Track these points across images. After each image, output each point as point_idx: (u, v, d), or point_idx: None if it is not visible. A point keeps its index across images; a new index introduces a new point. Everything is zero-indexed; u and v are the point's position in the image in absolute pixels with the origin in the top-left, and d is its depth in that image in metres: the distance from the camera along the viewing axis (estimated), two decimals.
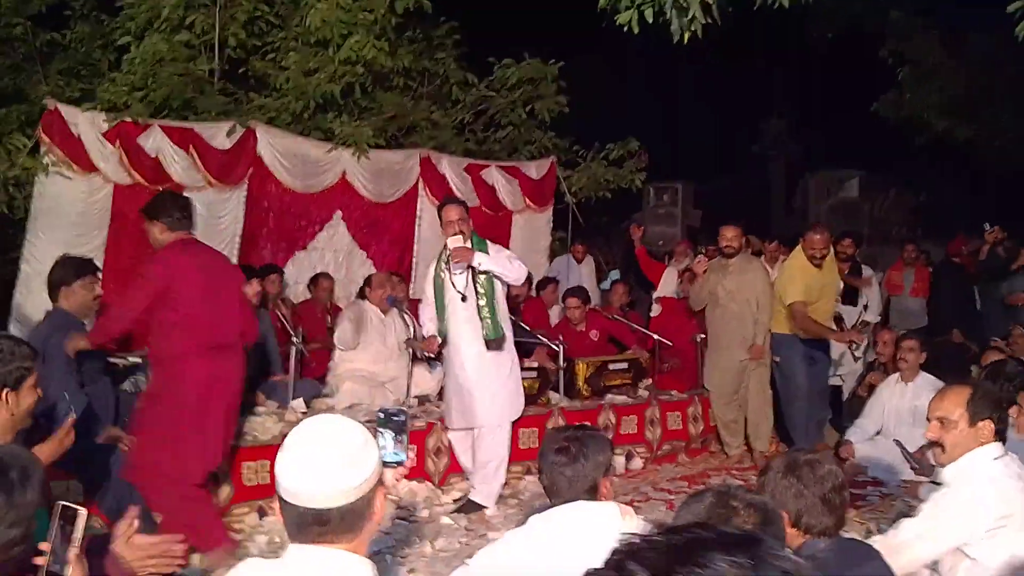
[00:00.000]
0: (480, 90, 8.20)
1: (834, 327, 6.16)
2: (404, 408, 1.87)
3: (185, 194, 5.98)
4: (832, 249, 6.29)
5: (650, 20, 4.72)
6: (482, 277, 4.78)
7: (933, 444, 2.66)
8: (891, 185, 12.49)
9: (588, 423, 4.76)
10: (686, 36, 4.73)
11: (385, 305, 5.77)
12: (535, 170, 8.11)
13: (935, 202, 13.56)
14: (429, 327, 4.93)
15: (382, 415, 1.91)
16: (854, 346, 6.46)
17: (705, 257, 6.11)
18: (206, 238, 6.09)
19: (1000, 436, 2.57)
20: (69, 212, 5.70)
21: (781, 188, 14.99)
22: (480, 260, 4.74)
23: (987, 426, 2.55)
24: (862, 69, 11.25)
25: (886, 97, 10.23)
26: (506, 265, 4.82)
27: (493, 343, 4.78)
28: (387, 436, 1.86)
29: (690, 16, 4.63)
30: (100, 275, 4.40)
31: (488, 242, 4.97)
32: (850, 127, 12.72)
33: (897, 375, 5.56)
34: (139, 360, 4.83)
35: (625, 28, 4.76)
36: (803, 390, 5.93)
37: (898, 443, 5.02)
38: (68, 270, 4.15)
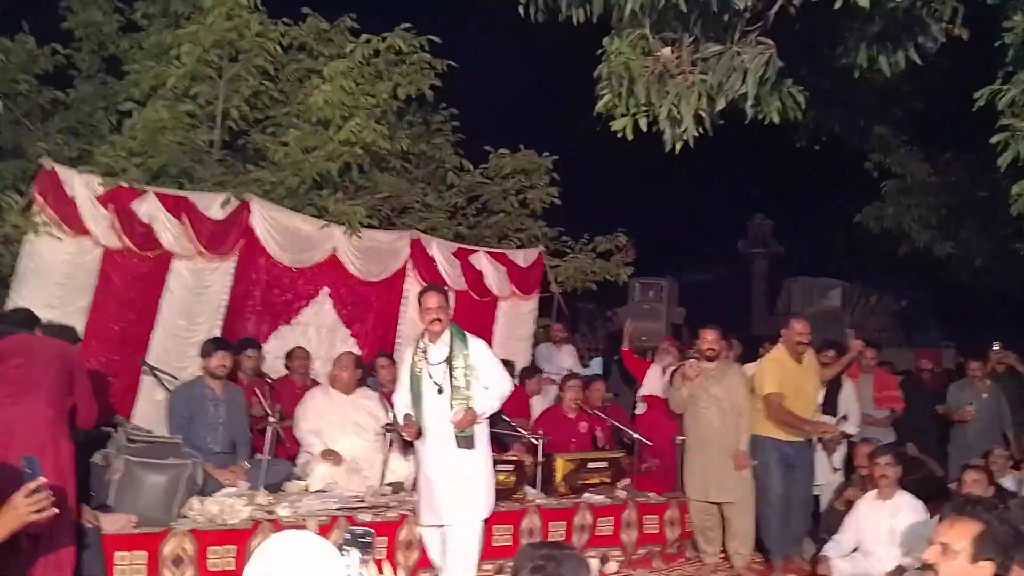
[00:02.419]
0: (474, 176, 8.35)
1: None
2: (371, 529, 1.94)
3: (173, 262, 6.09)
4: (815, 355, 6.35)
5: (644, 128, 4.89)
6: (459, 371, 4.72)
7: (928, 567, 2.59)
8: (871, 292, 12.69)
9: (565, 542, 4.65)
10: (678, 146, 4.89)
11: (351, 387, 5.70)
12: (523, 258, 8.18)
13: (915, 310, 13.73)
14: (403, 412, 4.85)
15: (348, 535, 1.96)
16: (827, 443, 6.43)
17: (697, 362, 6.08)
18: (189, 308, 6.13)
19: None
20: (55, 273, 5.64)
21: (763, 287, 15.19)
22: (483, 410, 4.76)
23: (987, 567, 2.49)
24: (846, 178, 11.52)
25: (869, 208, 10.43)
26: (498, 392, 4.85)
27: (463, 440, 4.70)
28: (353, 556, 1.90)
29: (683, 128, 4.79)
30: None
31: (468, 335, 4.90)
32: (833, 232, 12.99)
33: (875, 492, 5.52)
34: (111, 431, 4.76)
35: (620, 135, 4.93)
36: (779, 497, 5.87)
37: None
38: None
